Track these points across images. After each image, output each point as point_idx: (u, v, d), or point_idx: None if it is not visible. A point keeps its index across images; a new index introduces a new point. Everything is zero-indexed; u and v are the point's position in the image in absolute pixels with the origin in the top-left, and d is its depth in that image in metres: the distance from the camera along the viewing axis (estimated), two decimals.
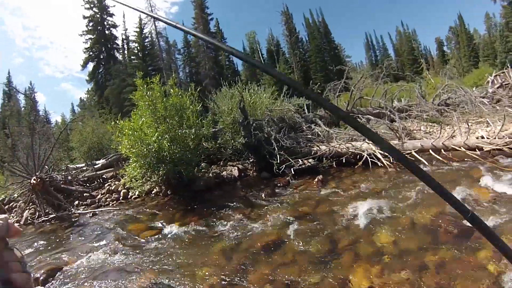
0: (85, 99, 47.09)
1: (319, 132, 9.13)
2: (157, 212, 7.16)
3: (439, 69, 39.49)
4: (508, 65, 20.26)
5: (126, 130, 7.49)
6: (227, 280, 3.75)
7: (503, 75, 18.06)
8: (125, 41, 40.15)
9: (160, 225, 6.13)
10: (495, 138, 8.00)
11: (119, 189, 9.32)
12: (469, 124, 9.16)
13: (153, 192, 8.67)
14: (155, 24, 39.89)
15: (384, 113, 10.38)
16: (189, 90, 8.51)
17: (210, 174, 8.93)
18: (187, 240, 5.18)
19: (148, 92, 7.84)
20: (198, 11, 42.14)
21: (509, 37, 35.42)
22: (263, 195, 6.87)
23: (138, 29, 38.54)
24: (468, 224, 3.31)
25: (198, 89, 8.74)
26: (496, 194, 5.12)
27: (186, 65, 44.22)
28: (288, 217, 5.41)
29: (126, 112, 16.91)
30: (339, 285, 3.36)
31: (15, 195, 9.74)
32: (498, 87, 16.39)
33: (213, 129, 9.10)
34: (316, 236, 4.57)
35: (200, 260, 4.31)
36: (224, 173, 9.05)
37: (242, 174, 8.93)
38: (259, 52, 52.38)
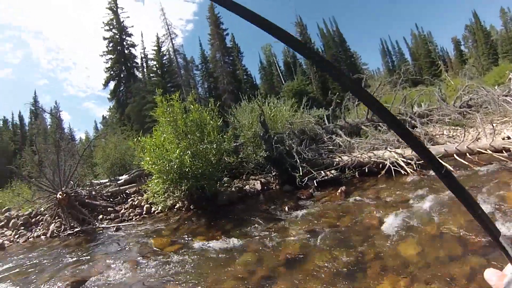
0: (107, 117, 48.26)
1: (341, 143, 9.09)
2: (180, 226, 7.21)
3: (458, 70, 38.62)
4: None
5: (148, 146, 7.64)
6: None
7: None
8: (144, 59, 41.49)
9: (183, 239, 6.17)
10: None
11: (142, 204, 9.46)
12: (494, 124, 8.88)
13: (176, 207, 8.74)
14: (172, 41, 40.83)
15: (404, 119, 10.22)
16: (209, 105, 8.60)
17: (233, 188, 8.98)
18: (210, 254, 5.19)
19: (169, 109, 7.99)
20: (214, 27, 42.93)
21: None
22: (286, 208, 6.85)
23: (156, 47, 39.59)
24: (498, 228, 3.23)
25: (218, 104, 8.84)
26: None
27: (204, 81, 44.92)
28: (312, 230, 5.37)
29: (147, 129, 17.27)
30: None
31: (42, 209, 10.00)
32: None
33: (235, 144, 9.18)
34: (340, 248, 4.52)
35: (224, 274, 4.31)
36: (247, 187, 9.08)
37: (265, 187, 8.95)
38: (276, 64, 52.70)
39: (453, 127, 11.20)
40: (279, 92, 30.09)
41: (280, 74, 50.85)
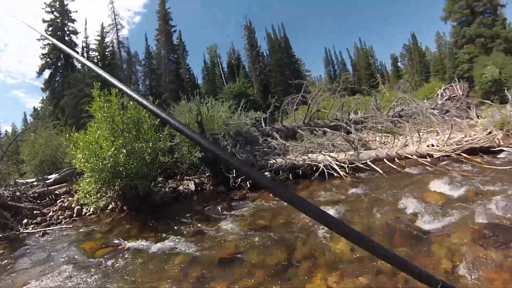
0: (39, 109, 44.97)
1: (276, 145, 9.32)
2: (113, 228, 6.91)
3: (394, 83, 41.91)
4: (456, 79, 21.93)
5: (81, 143, 7.24)
6: None
7: (451, 88, 19.65)
8: (85, 49, 38.69)
9: (116, 242, 5.91)
10: (444, 146, 8.71)
11: (72, 206, 8.84)
12: (421, 133, 9.94)
13: (108, 208, 8.34)
14: (117, 33, 39.09)
15: (340, 125, 10.77)
16: None
17: (167, 189, 8.79)
18: (143, 256, 5.05)
19: (106, 104, 7.63)
20: (162, 23, 41.86)
21: (457, 54, 38.35)
22: (219, 209, 6.91)
23: (99, 37, 37.49)
24: (422, 226, 3.55)
25: (157, 102, 8.64)
26: (445, 197, 5.60)
27: (146, 77, 43.41)
28: (245, 230, 5.47)
29: (82, 124, 16.33)
30: None
31: None
32: (446, 99, 17.75)
33: (170, 143, 9.00)
34: (273, 247, 4.65)
35: (158, 277, 4.24)
36: (181, 187, 8.96)
37: (199, 188, 8.90)
38: (220, 65, 52.71)
39: (385, 134, 12.07)
40: (220, 93, 30.14)
41: (223, 76, 51.09)
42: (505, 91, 17.00)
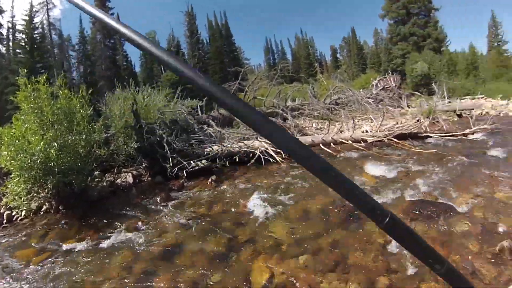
0: None
1: (212, 133, 9.44)
2: (48, 231, 6.42)
3: (332, 73, 43.91)
4: (390, 72, 23.87)
5: (6, 138, 6.64)
6: None
7: (385, 79, 21.35)
8: (10, 30, 34.23)
9: (53, 245, 5.55)
10: (377, 132, 9.46)
11: (1, 211, 8.04)
12: (356, 120, 10.68)
13: (42, 209, 7.68)
14: (48, 13, 35.81)
15: (277, 112, 11.12)
16: (80, 92, 7.83)
17: (104, 183, 8.48)
18: (85, 257, 4.86)
19: (34, 93, 7.02)
20: (99, 3, 38.84)
21: (391, 50, 41.59)
22: (158, 200, 6.90)
23: (27, 17, 33.70)
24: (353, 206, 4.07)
25: (91, 91, 8.20)
26: (378, 178, 6.21)
27: (80, 64, 40.41)
28: (185, 220, 5.58)
29: (8, 117, 15.04)
30: (241, 279, 3.62)
31: None
32: (381, 89, 19.29)
33: (106, 135, 8.69)
34: (214, 235, 4.81)
35: (101, 276, 4.17)
36: (119, 180, 8.75)
37: (137, 180, 8.77)
38: None
39: (321, 121, 12.72)
40: (158, 81, 29.32)
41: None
42: (433, 84, 19.15)
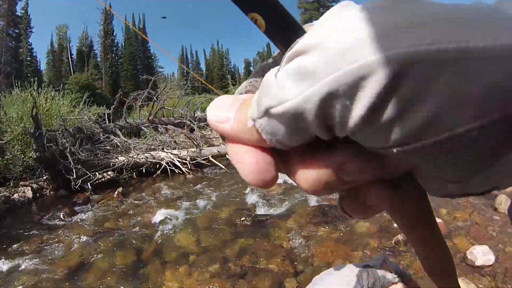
0: None
1: (118, 143, 9.06)
2: None
3: None
4: None
5: None
6: None
7: None
8: None
9: None
10: None
11: None
12: None
13: None
14: None
15: (184, 122, 11.15)
16: None
17: None
18: None
19: None
20: None
21: None
22: (62, 216, 6.31)
23: None
24: (263, 213, 4.75)
25: None
26: (285, 186, 6.37)
27: None
28: (90, 236, 5.23)
29: None
30: None
31: None
32: None
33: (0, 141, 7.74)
34: (121, 250, 4.63)
35: None
36: (16, 195, 7.62)
37: (37, 194, 7.76)
38: (69, 50, 46.56)
39: None
40: (66, 83, 27.04)
41: (71, 63, 45.11)
42: None
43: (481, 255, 3.23)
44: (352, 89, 0.15)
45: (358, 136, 0.17)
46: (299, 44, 0.17)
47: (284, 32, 0.20)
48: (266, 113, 0.18)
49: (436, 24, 0.14)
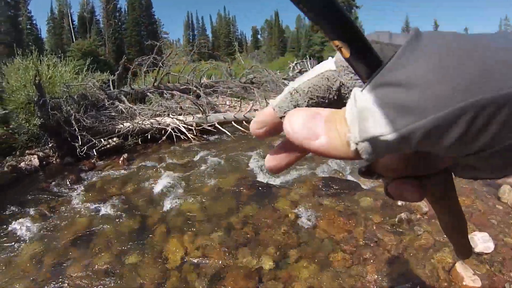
0: None
1: (123, 109, 8.96)
2: None
3: (251, 53, 44.56)
4: (307, 56, 25.11)
5: None
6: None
7: (302, 63, 22.29)
8: None
9: None
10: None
11: None
12: (269, 99, 10.96)
13: None
14: None
15: (190, 88, 10.99)
16: None
17: (5, 168, 7.49)
18: None
19: None
20: None
21: (312, 37, 43.47)
22: (68, 183, 6.34)
23: None
24: (268, 183, 4.61)
25: None
26: None
27: None
28: (96, 202, 5.24)
29: None
30: (156, 259, 3.59)
31: None
32: (297, 72, 20.14)
33: (3, 111, 7.73)
34: (127, 216, 4.66)
35: (7, 275, 3.69)
36: (22, 164, 7.68)
37: (44, 162, 7.80)
38: (70, 17, 45.83)
39: (235, 99, 12.91)
40: (68, 50, 26.67)
41: (72, 30, 44.51)
42: None
43: (482, 242, 3.25)
44: (452, 123, 0.18)
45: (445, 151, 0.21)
46: (390, 75, 0.20)
47: (365, 59, 0.23)
48: (372, 139, 0.21)
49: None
